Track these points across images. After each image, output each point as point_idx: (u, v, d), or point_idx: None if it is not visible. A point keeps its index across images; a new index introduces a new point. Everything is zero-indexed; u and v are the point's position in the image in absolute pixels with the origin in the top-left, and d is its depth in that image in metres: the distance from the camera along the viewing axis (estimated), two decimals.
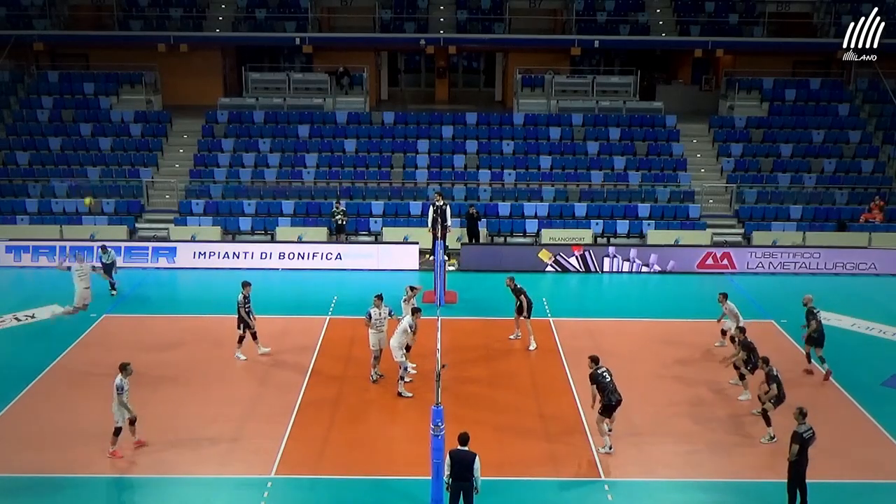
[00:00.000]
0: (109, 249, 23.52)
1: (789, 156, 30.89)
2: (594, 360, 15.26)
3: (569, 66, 35.97)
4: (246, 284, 18.73)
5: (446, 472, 12.29)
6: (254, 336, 18.92)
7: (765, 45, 33.98)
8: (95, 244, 24.70)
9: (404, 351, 17.19)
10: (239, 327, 18.73)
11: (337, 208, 27.33)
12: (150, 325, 21.24)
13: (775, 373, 15.54)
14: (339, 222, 27.20)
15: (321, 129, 31.62)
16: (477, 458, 12.25)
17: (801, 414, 13.22)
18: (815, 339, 18.33)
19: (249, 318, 18.65)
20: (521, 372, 18.62)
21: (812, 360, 18.65)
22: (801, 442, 12.97)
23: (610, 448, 15.06)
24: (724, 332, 19.54)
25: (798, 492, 13.19)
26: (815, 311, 18.40)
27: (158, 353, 19.22)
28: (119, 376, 14.56)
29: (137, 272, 25.50)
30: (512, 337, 20.27)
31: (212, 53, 34.95)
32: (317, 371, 18.53)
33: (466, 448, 12.32)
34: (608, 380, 14.95)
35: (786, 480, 13.32)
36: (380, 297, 17.61)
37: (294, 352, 19.52)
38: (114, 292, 23.20)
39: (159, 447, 15.22)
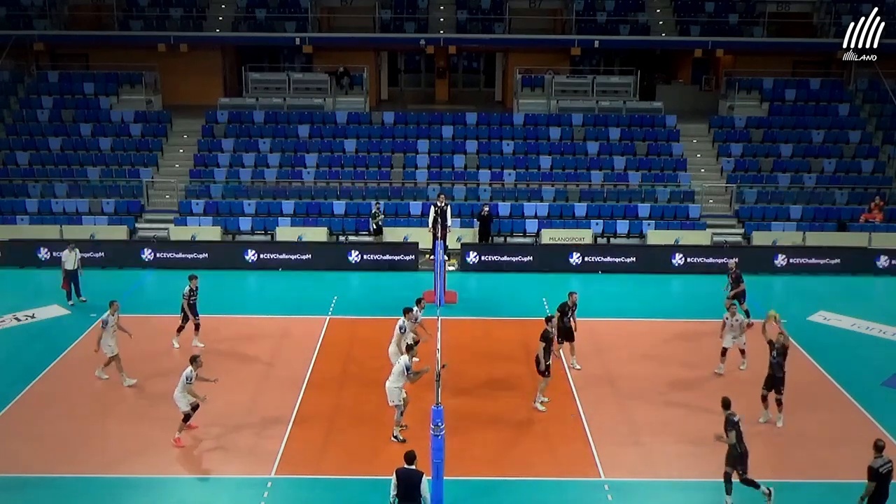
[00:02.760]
0: (76, 249, 22.78)
1: (789, 156, 30.88)
2: (547, 320, 16.73)
3: (569, 66, 35.95)
4: (193, 278, 19.50)
5: (392, 491, 11.86)
6: (196, 328, 19.60)
7: (765, 45, 33.96)
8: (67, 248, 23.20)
9: (403, 393, 15.50)
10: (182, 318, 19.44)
11: (377, 210, 27.35)
12: (149, 325, 21.20)
13: (736, 420, 13.32)
14: (379, 224, 27.22)
15: (321, 129, 31.61)
16: (424, 478, 11.75)
17: (877, 448, 12.15)
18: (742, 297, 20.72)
19: (192, 311, 19.31)
20: (521, 372, 18.60)
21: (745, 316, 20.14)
22: (878, 478, 11.98)
23: (543, 400, 16.65)
24: (723, 353, 18.43)
25: None
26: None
27: (158, 353, 19.23)
28: (189, 367, 15.20)
29: (137, 272, 25.51)
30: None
31: (212, 53, 34.94)
32: (317, 371, 18.54)
33: (413, 467, 11.86)
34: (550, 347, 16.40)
35: (786, 480, 13.29)
36: (410, 348, 16.02)
37: (294, 352, 19.53)
38: (82, 298, 22.78)
39: (160, 447, 15.24)
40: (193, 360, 15.42)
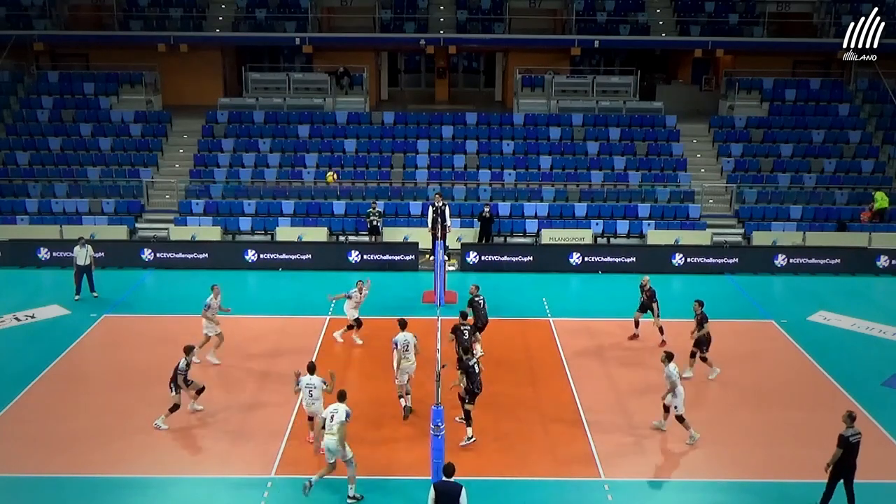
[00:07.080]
0: (87, 246, 23.06)
1: (789, 156, 30.89)
2: (463, 315, 17.28)
3: (569, 66, 35.96)
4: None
5: None
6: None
7: (765, 45, 33.96)
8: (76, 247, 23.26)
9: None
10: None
11: (373, 209, 27.34)
12: (150, 325, 21.24)
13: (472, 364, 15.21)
14: (374, 223, 27.19)
15: (321, 129, 31.62)
16: (464, 490, 11.40)
17: (850, 418, 13.09)
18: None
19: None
20: (521, 372, 18.62)
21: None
22: (847, 446, 12.85)
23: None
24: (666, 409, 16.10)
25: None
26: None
27: (158, 353, 19.19)
28: (314, 376, 15.11)
29: (137, 272, 25.52)
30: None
31: (212, 53, 34.95)
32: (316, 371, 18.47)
33: (452, 480, 11.52)
34: (465, 336, 16.75)
35: (786, 480, 13.31)
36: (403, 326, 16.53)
37: (294, 352, 19.51)
38: (95, 294, 23.14)
39: (159, 447, 15.24)
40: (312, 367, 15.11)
